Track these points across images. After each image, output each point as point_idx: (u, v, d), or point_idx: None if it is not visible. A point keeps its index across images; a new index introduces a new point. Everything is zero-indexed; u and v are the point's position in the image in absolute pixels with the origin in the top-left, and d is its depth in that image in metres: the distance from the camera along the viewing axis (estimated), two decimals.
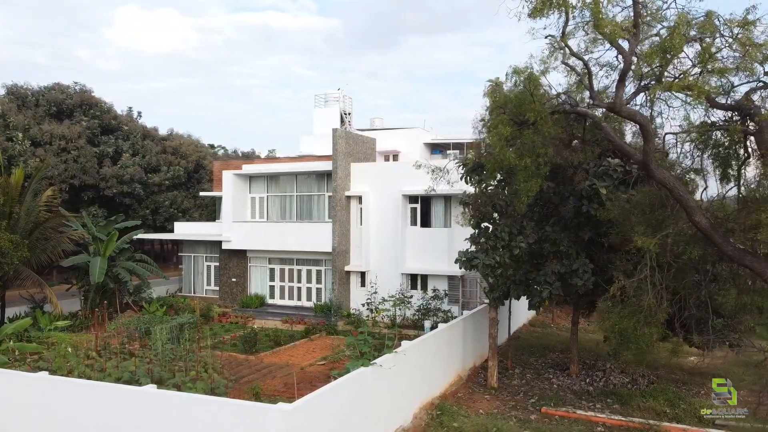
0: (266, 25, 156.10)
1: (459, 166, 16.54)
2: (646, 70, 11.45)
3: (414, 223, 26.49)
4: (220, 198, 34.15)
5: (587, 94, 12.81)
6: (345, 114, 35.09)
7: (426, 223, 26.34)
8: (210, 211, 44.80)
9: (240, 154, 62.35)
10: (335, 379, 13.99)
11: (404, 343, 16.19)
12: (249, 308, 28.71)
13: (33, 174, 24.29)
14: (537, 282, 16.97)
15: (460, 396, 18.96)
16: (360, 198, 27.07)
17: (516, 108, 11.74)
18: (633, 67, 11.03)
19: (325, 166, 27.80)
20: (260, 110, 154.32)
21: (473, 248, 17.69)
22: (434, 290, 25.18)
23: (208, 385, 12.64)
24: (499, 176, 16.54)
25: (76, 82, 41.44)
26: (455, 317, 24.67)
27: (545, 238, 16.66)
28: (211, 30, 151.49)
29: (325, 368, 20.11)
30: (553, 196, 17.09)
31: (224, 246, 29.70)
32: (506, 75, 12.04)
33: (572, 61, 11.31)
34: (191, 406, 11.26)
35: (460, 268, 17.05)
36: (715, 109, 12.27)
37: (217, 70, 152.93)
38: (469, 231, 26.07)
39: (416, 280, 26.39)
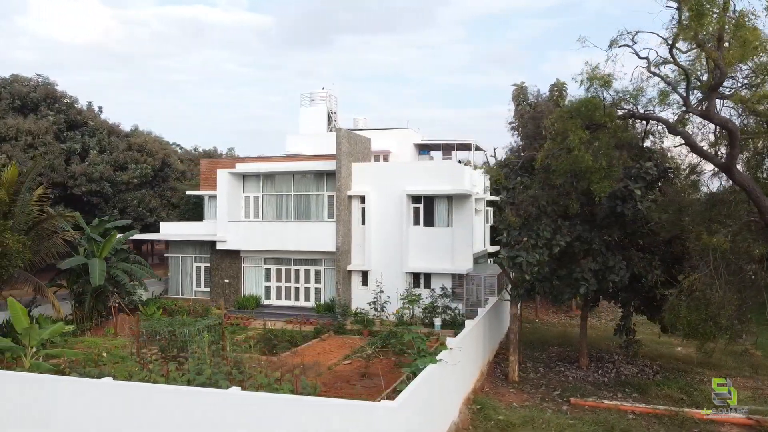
0: (195, 19, 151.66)
1: (501, 168, 17.08)
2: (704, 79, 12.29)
3: (417, 222, 26.87)
4: (205, 197, 33.36)
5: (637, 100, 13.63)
6: (332, 113, 35.05)
7: (429, 222, 26.78)
8: (184, 210, 43.52)
9: (202, 152, 60.70)
10: (408, 376, 14.20)
11: (449, 340, 16.54)
12: (245, 309, 28.24)
13: (28, 170, 23.01)
14: (570, 279, 17.74)
15: (487, 390, 19.50)
16: (362, 198, 27.19)
17: (589, 112, 12.34)
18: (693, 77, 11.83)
19: (324, 165, 27.73)
20: (191, 107, 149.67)
21: (505, 247, 18.30)
22: (443, 288, 25.68)
23: (292, 386, 12.56)
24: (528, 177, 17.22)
25: (38, 74, 39.33)
26: (462, 315, 25.30)
27: (577, 236, 17.46)
28: (136, 22, 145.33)
29: (353, 367, 20.18)
30: (581, 196, 17.88)
31: (219, 246, 29.05)
32: (581, 81, 12.64)
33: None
34: (290, 407, 11.19)
35: (502, 266, 17.58)
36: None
37: (144, 64, 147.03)
38: (469, 232, 26.80)
39: (419, 279, 26.78)
